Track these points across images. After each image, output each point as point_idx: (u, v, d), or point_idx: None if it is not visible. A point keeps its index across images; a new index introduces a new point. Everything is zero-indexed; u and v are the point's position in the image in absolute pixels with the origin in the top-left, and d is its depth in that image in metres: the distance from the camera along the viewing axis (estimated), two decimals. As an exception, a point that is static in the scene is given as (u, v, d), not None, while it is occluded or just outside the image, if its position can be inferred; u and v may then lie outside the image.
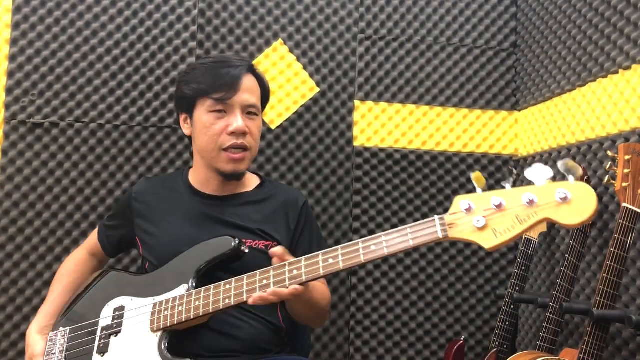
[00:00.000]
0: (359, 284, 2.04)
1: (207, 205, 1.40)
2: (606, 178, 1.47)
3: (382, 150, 2.08)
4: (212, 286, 1.19)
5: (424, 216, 2.09)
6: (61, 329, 1.36)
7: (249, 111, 1.37)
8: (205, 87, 1.34)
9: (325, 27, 2.07)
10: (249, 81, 1.38)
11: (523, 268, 1.79)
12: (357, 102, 2.08)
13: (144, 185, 1.51)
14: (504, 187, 2.12)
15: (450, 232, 1.00)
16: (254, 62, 1.99)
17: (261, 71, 1.46)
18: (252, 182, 1.49)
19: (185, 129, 1.43)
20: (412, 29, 2.13)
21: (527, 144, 2.09)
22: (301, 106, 2.04)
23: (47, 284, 1.85)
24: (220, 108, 1.34)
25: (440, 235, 1.00)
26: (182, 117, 1.43)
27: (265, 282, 1.13)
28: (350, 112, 2.07)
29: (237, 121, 1.33)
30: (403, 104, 2.11)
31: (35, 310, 1.85)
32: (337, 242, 2.02)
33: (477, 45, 2.16)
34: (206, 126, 1.35)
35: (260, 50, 2.03)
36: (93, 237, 1.55)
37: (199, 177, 1.45)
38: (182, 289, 1.24)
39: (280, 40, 2.04)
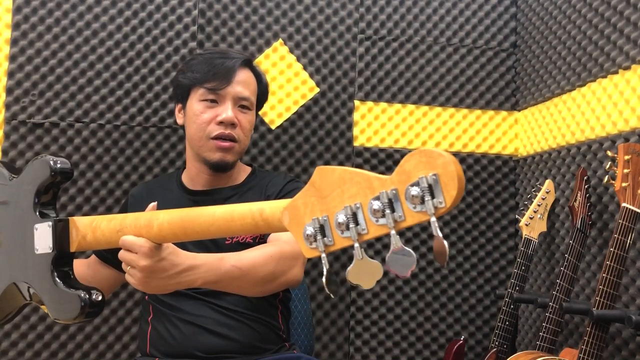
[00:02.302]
0: (359, 283, 2.04)
1: (193, 201, 1.38)
2: (606, 178, 1.47)
3: (382, 150, 2.08)
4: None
5: (424, 216, 2.09)
6: None
7: (241, 104, 1.37)
8: (200, 75, 1.35)
9: (325, 27, 2.08)
10: (244, 74, 1.38)
11: (523, 268, 1.79)
12: (357, 102, 2.08)
13: (140, 188, 1.52)
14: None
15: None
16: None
17: (260, 68, 1.46)
18: (242, 174, 1.46)
19: (179, 119, 1.43)
20: (412, 29, 2.13)
21: (527, 144, 2.09)
22: (301, 106, 2.04)
23: (48, 283, 1.85)
24: (212, 97, 1.34)
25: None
26: (177, 108, 1.44)
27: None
28: (350, 112, 2.07)
29: (227, 111, 1.33)
30: (403, 104, 2.11)
31: (35, 310, 1.85)
32: (337, 242, 2.01)
33: (477, 46, 2.16)
34: (196, 114, 1.35)
35: (260, 50, 2.03)
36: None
37: (190, 173, 1.44)
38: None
39: (280, 41, 2.04)
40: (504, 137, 2.16)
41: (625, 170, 1.38)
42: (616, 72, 1.63)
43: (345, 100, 2.08)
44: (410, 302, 2.07)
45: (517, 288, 1.78)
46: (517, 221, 1.88)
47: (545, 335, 1.55)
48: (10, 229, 1.04)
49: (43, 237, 0.99)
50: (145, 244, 0.91)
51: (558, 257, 1.85)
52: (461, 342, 1.96)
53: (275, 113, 2.03)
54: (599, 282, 1.35)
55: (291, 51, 2.05)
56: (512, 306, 1.79)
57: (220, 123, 1.33)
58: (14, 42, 1.89)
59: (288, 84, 2.04)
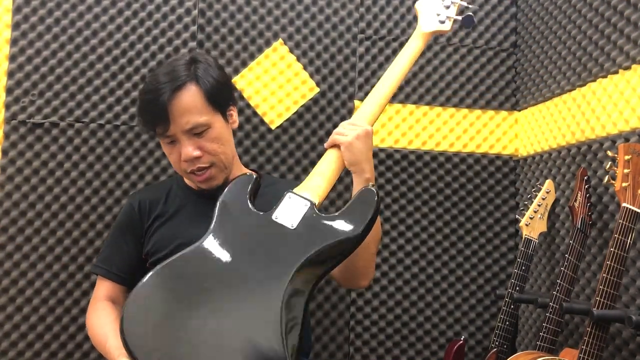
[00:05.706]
0: (359, 284, 2.04)
1: (212, 203, 1.38)
2: (606, 178, 1.47)
3: (382, 150, 2.08)
4: None
5: (424, 216, 2.09)
6: None
7: (194, 132, 1.28)
8: (144, 125, 1.34)
9: (325, 27, 2.07)
10: (180, 100, 1.25)
11: (523, 268, 1.79)
12: (357, 102, 2.08)
13: (139, 195, 1.49)
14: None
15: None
16: (253, 64, 2.01)
17: (201, 65, 1.31)
18: None
19: None
20: (412, 29, 2.12)
21: (527, 144, 2.09)
22: (301, 106, 2.04)
23: (47, 283, 1.85)
24: (167, 141, 1.31)
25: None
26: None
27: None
28: (350, 112, 2.07)
29: (185, 150, 1.29)
30: (403, 104, 2.11)
31: (35, 310, 1.85)
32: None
33: (477, 45, 2.16)
34: (167, 154, 1.37)
35: (260, 50, 2.03)
36: (98, 288, 1.45)
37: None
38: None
39: (280, 41, 2.04)
40: (504, 137, 2.16)
41: (626, 170, 1.38)
42: (616, 72, 1.63)
43: (345, 100, 2.07)
44: (410, 302, 2.07)
45: (517, 288, 1.78)
46: (517, 221, 1.88)
47: (545, 335, 1.55)
48: (247, 255, 1.13)
49: (287, 213, 1.19)
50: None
51: (558, 257, 1.84)
52: (461, 342, 1.96)
53: (275, 113, 2.03)
54: (599, 282, 1.34)
55: (291, 51, 2.05)
56: (512, 306, 1.79)
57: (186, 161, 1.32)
58: (13, 42, 1.89)
59: (288, 83, 2.04)
